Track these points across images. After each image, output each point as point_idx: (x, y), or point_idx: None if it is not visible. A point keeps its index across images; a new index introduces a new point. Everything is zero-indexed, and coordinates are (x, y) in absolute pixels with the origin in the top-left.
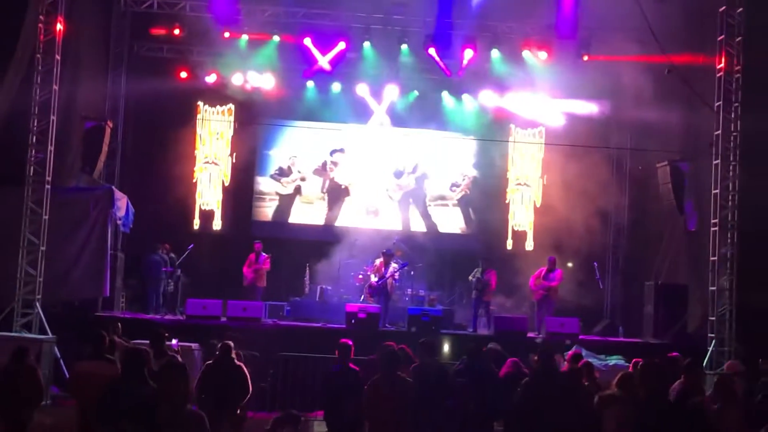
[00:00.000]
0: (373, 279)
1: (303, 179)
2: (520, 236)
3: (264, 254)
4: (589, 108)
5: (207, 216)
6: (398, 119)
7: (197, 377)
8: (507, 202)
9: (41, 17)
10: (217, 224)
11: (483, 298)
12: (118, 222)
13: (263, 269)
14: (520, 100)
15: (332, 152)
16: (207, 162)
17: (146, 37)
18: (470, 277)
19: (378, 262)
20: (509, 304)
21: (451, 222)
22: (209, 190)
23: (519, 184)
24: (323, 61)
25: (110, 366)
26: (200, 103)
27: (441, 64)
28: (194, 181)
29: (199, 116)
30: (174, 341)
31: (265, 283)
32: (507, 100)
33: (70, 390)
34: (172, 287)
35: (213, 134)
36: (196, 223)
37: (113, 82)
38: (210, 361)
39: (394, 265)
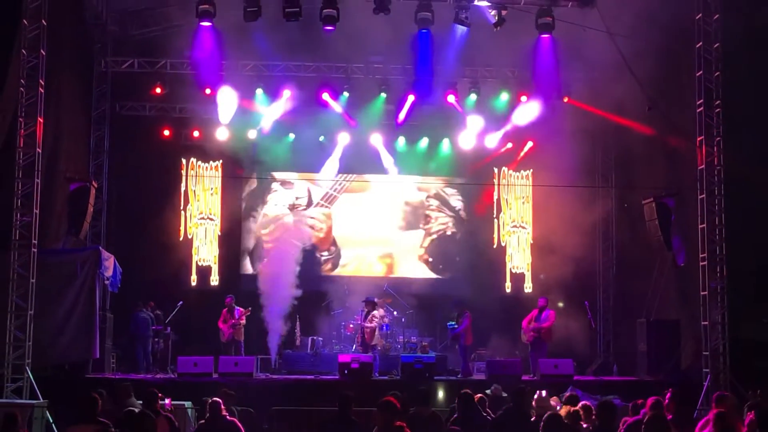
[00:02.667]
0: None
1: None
2: (518, 278)
3: (239, 308)
4: (573, 147)
5: (200, 272)
6: (378, 167)
7: None
8: (503, 244)
9: (22, 81)
10: (214, 279)
11: (463, 343)
12: (106, 282)
13: (240, 323)
14: (503, 143)
15: (320, 201)
16: (202, 218)
17: (128, 96)
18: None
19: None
20: (507, 348)
21: (438, 266)
22: (205, 245)
23: (515, 226)
24: (270, 115)
25: (101, 429)
26: (193, 159)
27: (404, 113)
28: (189, 237)
29: (192, 172)
30: (167, 400)
31: (243, 337)
32: (490, 143)
33: None
34: (161, 345)
35: (207, 190)
36: (194, 280)
37: (96, 142)
38: (202, 420)
39: (373, 313)
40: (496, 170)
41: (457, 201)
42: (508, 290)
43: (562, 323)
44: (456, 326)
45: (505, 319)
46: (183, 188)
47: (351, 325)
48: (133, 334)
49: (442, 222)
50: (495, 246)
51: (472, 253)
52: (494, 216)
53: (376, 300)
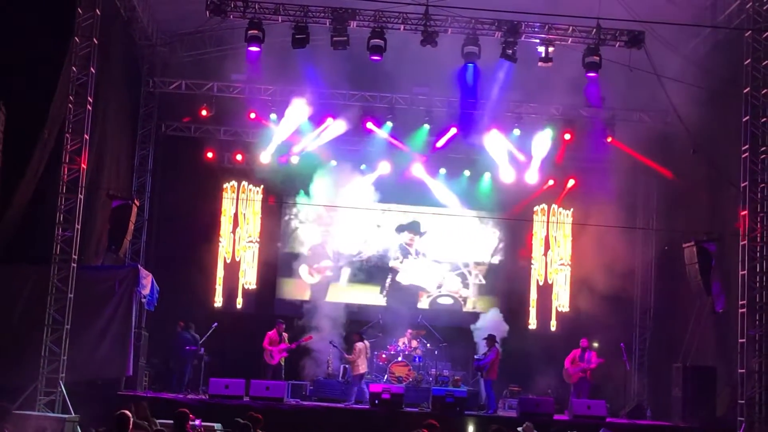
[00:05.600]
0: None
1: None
2: (563, 317)
3: (286, 334)
4: (615, 187)
5: (231, 294)
6: (423, 198)
7: None
8: (550, 282)
9: (71, 97)
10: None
11: (487, 377)
12: (143, 300)
13: (292, 348)
14: (544, 180)
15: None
16: (250, 241)
17: (174, 116)
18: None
19: (401, 341)
20: (544, 386)
21: (476, 300)
22: (252, 268)
23: (563, 264)
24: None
25: None
26: (244, 183)
27: (443, 141)
28: (238, 260)
29: (242, 195)
30: (197, 421)
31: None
32: (531, 179)
33: None
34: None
35: (257, 213)
36: (239, 303)
37: (140, 161)
38: None
39: (356, 344)
40: (545, 206)
41: (498, 235)
42: (553, 329)
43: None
44: (480, 357)
45: (545, 357)
46: (233, 211)
47: (383, 355)
48: (176, 353)
49: (477, 257)
50: (542, 284)
51: (510, 288)
52: (543, 253)
53: (362, 333)
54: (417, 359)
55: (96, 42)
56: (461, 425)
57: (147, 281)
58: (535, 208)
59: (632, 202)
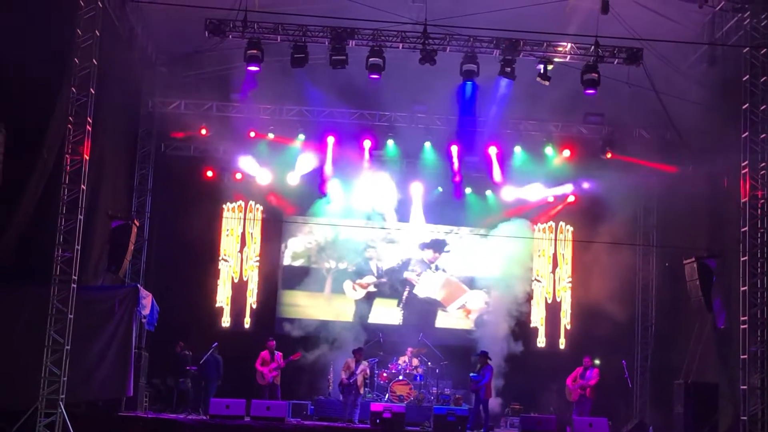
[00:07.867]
0: (344, 376)
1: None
2: (571, 335)
3: (279, 352)
4: (615, 204)
5: (236, 314)
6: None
7: None
8: (558, 300)
9: (70, 118)
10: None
11: (484, 397)
12: (143, 320)
13: (282, 367)
14: (543, 197)
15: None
16: (257, 261)
17: (173, 136)
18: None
19: (402, 360)
20: (547, 404)
21: (481, 319)
22: (257, 288)
23: (570, 282)
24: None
25: None
26: (251, 203)
27: (455, 166)
28: (245, 279)
29: (249, 215)
30: None
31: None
32: (530, 196)
33: None
34: (189, 385)
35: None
36: (247, 322)
37: (140, 181)
38: None
39: (364, 363)
40: (553, 224)
41: (492, 253)
42: (561, 347)
43: (599, 381)
44: (479, 378)
45: (551, 375)
46: (240, 230)
47: (384, 374)
48: (182, 373)
49: (477, 272)
50: (551, 301)
51: (509, 307)
52: (551, 271)
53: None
54: (418, 378)
55: (95, 63)
56: None
57: (147, 301)
58: (542, 226)
59: (632, 218)
